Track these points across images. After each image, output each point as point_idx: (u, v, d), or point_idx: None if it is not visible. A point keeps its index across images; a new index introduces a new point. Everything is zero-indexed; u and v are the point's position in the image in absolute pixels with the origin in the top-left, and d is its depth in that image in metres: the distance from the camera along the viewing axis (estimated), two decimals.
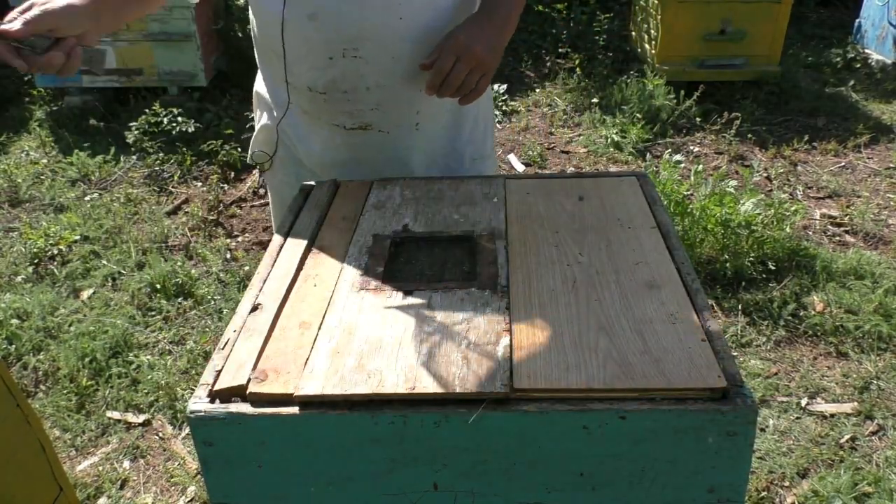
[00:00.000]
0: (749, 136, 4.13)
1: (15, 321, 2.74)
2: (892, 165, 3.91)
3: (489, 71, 1.29)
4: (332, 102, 1.38)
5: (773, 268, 2.94)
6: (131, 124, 4.05)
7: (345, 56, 1.32)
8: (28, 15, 1.09)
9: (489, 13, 1.32)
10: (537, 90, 4.85)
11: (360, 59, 1.32)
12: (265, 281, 1.06)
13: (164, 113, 4.05)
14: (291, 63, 1.36)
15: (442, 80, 1.26)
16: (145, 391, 2.47)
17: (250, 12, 1.44)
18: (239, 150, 3.90)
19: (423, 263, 1.10)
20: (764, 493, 2.06)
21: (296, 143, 1.49)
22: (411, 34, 1.32)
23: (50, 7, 1.11)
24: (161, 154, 3.91)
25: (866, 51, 5.24)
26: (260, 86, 1.55)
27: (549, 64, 5.07)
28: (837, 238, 3.28)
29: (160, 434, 2.34)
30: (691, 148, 4.10)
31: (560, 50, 5.13)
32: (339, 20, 1.29)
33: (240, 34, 4.81)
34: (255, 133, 1.60)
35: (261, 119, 1.57)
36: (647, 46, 4.71)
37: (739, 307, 2.76)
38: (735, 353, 2.54)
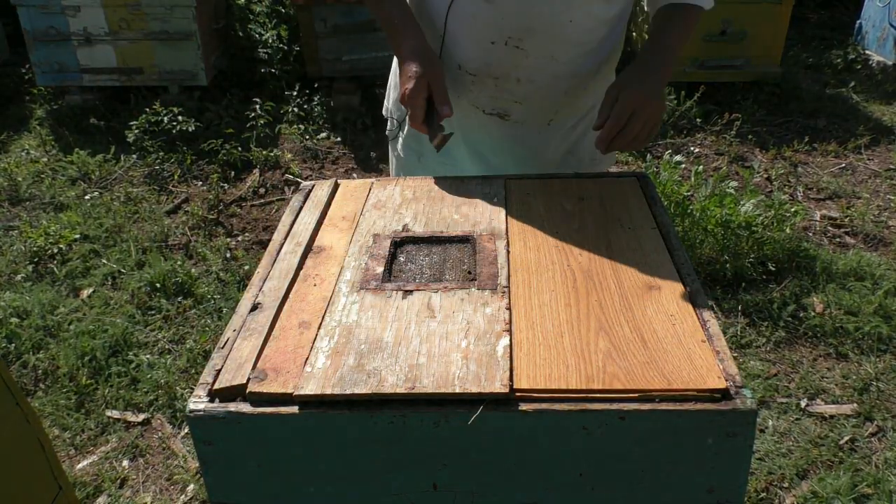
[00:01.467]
0: (749, 137, 4.13)
1: (15, 320, 2.74)
2: (892, 167, 3.91)
3: (659, 122, 1.29)
4: (479, 85, 1.41)
5: (773, 269, 2.94)
6: (132, 123, 4.05)
7: (507, 44, 1.34)
8: (439, 89, 1.26)
9: (655, 57, 1.32)
10: None
11: (521, 50, 1.35)
12: (265, 280, 1.06)
13: (164, 112, 4.05)
14: (449, 40, 1.39)
15: (616, 133, 1.25)
16: (145, 390, 2.47)
17: None
18: (239, 149, 3.90)
19: (423, 263, 1.10)
20: (763, 494, 2.06)
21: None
22: (576, 38, 1.36)
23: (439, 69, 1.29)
24: (161, 153, 3.91)
25: (867, 52, 5.24)
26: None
27: None
28: (837, 239, 3.28)
29: (159, 433, 2.34)
30: (692, 149, 4.10)
31: None
32: (516, 7, 1.31)
33: (240, 33, 4.81)
34: (389, 103, 1.62)
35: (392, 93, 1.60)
36: None
37: (739, 308, 2.76)
38: (735, 354, 2.54)
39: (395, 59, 1.54)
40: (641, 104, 1.24)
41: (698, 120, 4.29)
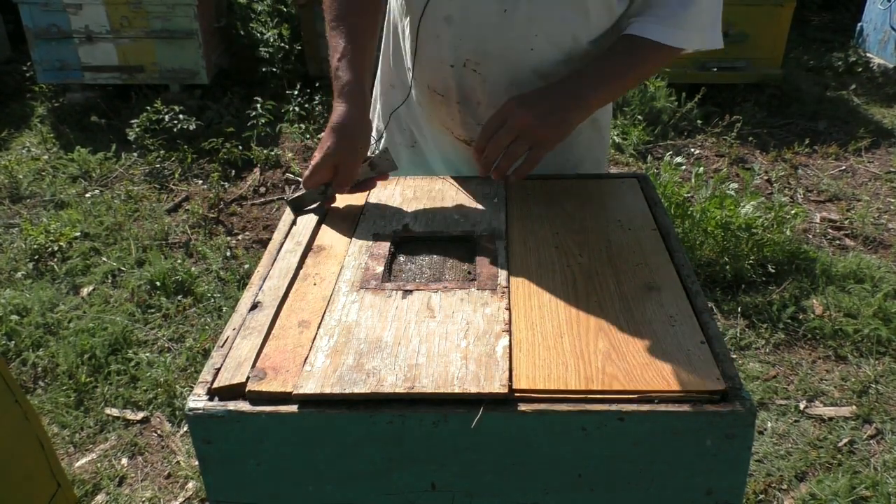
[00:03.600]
0: (750, 138, 4.13)
1: (14, 317, 2.74)
2: (892, 169, 3.91)
3: (541, 142, 1.18)
4: (446, 106, 1.36)
5: (772, 271, 2.94)
6: (132, 121, 4.06)
7: (465, 66, 1.29)
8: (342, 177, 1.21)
9: (572, 80, 1.22)
10: None
11: (479, 74, 1.29)
12: (265, 279, 1.06)
13: (165, 110, 4.05)
14: (419, 60, 1.33)
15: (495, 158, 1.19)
16: (144, 388, 2.47)
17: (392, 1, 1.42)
18: (240, 147, 3.90)
19: (423, 263, 1.10)
20: (762, 496, 2.06)
21: (412, 128, 1.48)
22: (539, 68, 1.27)
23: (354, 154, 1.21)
24: (162, 151, 3.91)
25: (868, 55, 5.24)
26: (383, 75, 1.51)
27: None
28: (837, 242, 3.28)
29: (158, 431, 2.34)
30: (692, 150, 4.10)
31: None
32: (471, 31, 1.26)
33: (242, 32, 4.81)
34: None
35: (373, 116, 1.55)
36: None
37: (739, 310, 2.76)
38: (734, 356, 2.55)
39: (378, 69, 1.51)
40: (527, 127, 1.16)
41: (699, 121, 4.29)
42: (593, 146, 1.47)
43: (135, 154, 3.99)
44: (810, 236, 3.30)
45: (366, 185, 1.27)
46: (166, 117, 4.04)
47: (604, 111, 1.45)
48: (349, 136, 1.19)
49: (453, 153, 1.45)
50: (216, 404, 0.84)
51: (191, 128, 4.03)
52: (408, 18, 1.33)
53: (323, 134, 1.22)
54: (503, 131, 1.18)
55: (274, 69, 4.62)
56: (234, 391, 0.85)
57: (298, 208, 1.23)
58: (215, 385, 0.86)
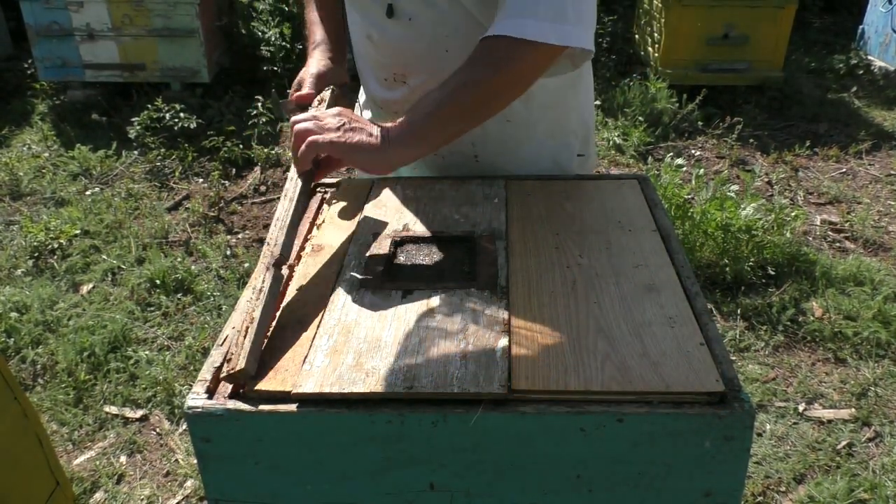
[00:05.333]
0: (751, 140, 4.13)
1: (14, 314, 2.74)
2: (893, 172, 3.91)
3: (315, 142, 1.08)
4: (390, 119, 1.34)
5: (772, 273, 2.94)
6: (133, 119, 4.06)
7: (395, 80, 1.32)
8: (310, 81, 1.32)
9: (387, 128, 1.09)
10: None
11: (407, 85, 1.31)
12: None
13: (166, 108, 4.05)
14: (361, 76, 1.43)
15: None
16: (143, 386, 2.47)
17: None
18: (241, 146, 3.90)
19: (423, 263, 1.10)
20: (760, 498, 2.06)
21: None
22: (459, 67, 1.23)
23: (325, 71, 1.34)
24: (163, 149, 3.91)
25: (869, 57, 5.24)
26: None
27: None
28: (837, 244, 3.28)
29: (157, 430, 2.34)
30: (693, 152, 4.10)
31: None
32: (389, 47, 1.28)
33: (243, 31, 4.81)
34: None
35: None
36: (650, 49, 4.71)
37: (738, 312, 2.76)
38: (733, 358, 2.55)
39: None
40: (325, 126, 1.09)
41: (700, 123, 4.29)
42: (558, 156, 1.42)
43: (135, 152, 3.99)
44: (810, 238, 3.30)
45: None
46: (167, 115, 4.04)
47: (556, 123, 1.37)
48: (317, 71, 1.34)
49: (416, 164, 1.42)
50: (215, 403, 0.84)
51: (191, 126, 4.03)
52: (350, 36, 1.42)
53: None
54: (310, 121, 1.12)
55: (275, 68, 4.62)
56: (234, 390, 0.86)
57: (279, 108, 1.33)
58: (214, 384, 0.86)
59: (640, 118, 4.21)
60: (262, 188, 3.75)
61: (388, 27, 1.26)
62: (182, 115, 4.04)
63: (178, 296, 2.91)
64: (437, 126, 1.09)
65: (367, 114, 1.50)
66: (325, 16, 1.42)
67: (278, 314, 0.98)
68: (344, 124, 1.09)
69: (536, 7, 1.04)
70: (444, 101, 1.07)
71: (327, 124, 1.09)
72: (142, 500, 2.10)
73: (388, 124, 1.10)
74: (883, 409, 2.35)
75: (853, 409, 2.35)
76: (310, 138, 1.08)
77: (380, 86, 1.36)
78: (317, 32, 1.41)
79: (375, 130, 1.08)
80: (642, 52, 4.91)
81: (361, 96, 1.54)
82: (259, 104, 4.13)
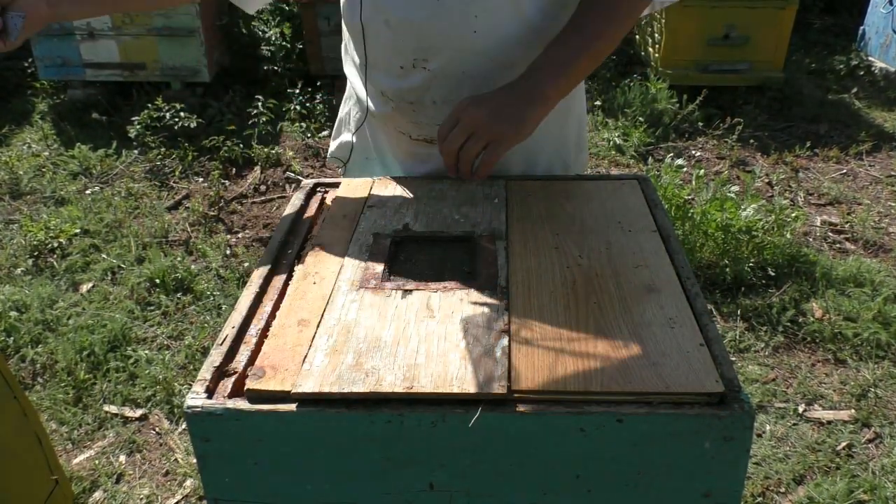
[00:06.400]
0: (751, 141, 4.13)
1: (14, 313, 2.74)
2: (893, 173, 3.91)
3: (496, 140, 1.16)
4: (400, 112, 1.35)
5: (772, 274, 2.94)
6: (133, 118, 4.06)
7: (415, 66, 1.28)
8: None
9: (522, 78, 1.17)
10: None
11: (429, 71, 1.27)
12: (265, 277, 1.06)
13: (166, 108, 4.05)
14: (371, 68, 1.34)
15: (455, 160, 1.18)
16: (143, 386, 2.47)
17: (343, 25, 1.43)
18: (241, 146, 3.90)
19: (423, 263, 1.10)
20: (760, 499, 2.06)
21: (371, 144, 1.48)
22: (487, 49, 1.23)
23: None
24: (163, 149, 3.91)
25: (870, 58, 5.24)
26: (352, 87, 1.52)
27: None
28: (837, 245, 3.28)
29: (157, 429, 2.34)
30: (693, 152, 4.10)
31: None
32: (411, 29, 1.24)
33: (244, 30, 4.81)
34: (334, 133, 1.57)
35: (342, 128, 1.55)
36: (650, 50, 4.72)
37: (738, 312, 2.76)
38: (733, 359, 2.54)
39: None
40: (480, 125, 1.14)
41: (700, 124, 4.29)
42: (559, 149, 1.43)
43: (135, 151, 3.99)
44: (811, 239, 3.30)
45: None
46: (167, 115, 4.04)
47: (556, 121, 1.37)
48: None
49: (412, 157, 1.42)
50: (215, 402, 0.84)
51: (192, 125, 4.03)
52: (355, 43, 1.35)
53: None
54: (456, 131, 1.17)
55: (275, 67, 4.62)
56: (233, 389, 0.86)
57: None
58: (214, 383, 0.86)
59: (641, 118, 4.21)
60: (263, 188, 3.75)
61: (412, 7, 1.22)
62: (182, 114, 4.04)
63: (178, 295, 2.91)
64: (578, 73, 1.20)
65: (358, 114, 1.47)
66: None
67: (278, 314, 0.98)
68: (486, 112, 1.14)
69: None
70: (581, 54, 1.17)
71: (478, 123, 1.14)
72: (141, 499, 2.10)
73: (524, 81, 1.15)
74: (883, 410, 2.35)
75: (853, 411, 2.35)
76: (490, 149, 1.16)
77: (394, 76, 1.31)
78: None
79: (522, 94, 1.15)
80: (643, 53, 4.91)
81: (349, 99, 1.50)
82: (259, 103, 4.13)
